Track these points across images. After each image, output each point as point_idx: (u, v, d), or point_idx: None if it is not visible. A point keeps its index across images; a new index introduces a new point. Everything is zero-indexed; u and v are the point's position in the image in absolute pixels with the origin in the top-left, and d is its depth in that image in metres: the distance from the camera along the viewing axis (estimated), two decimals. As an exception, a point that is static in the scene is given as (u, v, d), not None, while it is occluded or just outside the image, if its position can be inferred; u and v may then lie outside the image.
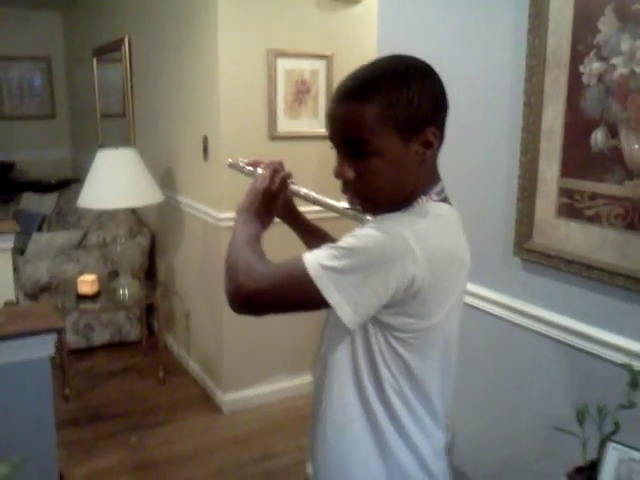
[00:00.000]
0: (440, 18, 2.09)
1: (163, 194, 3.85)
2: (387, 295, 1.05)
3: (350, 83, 1.13)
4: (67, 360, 3.71)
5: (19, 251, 4.55)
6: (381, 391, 1.16)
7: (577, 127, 1.67)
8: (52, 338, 1.90)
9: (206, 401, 3.64)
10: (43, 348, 1.89)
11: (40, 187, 6.30)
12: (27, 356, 1.88)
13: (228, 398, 3.52)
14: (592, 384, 1.69)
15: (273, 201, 1.29)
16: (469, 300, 2.05)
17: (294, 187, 1.31)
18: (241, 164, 1.40)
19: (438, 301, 1.12)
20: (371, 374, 1.15)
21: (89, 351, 4.23)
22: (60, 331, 1.89)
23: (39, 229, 5.39)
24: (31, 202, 5.91)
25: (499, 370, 2.00)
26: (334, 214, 1.30)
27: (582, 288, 1.71)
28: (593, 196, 1.65)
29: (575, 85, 1.65)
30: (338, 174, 1.16)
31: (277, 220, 1.38)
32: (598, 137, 1.61)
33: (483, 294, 1.99)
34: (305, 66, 3.31)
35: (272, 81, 3.25)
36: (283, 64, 3.25)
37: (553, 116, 1.72)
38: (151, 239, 4.52)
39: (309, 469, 1.32)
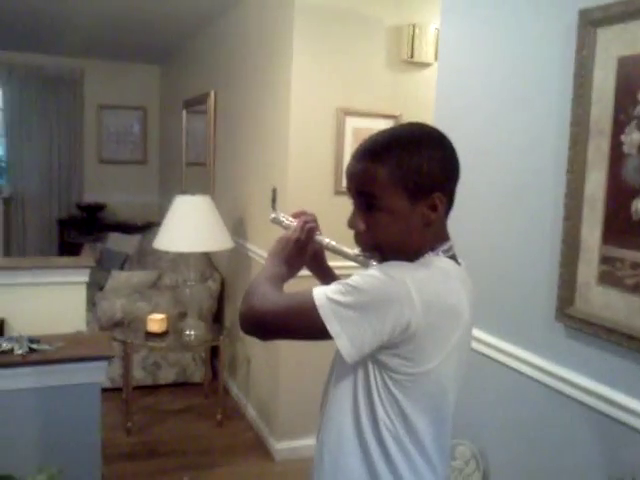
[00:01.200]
0: (491, 88, 2.15)
1: (234, 241, 4.01)
2: (383, 334, 1.12)
3: (368, 144, 1.24)
4: (132, 395, 3.87)
5: (99, 287, 4.82)
6: (377, 430, 1.20)
7: (618, 195, 1.66)
8: (104, 366, 2.03)
9: (259, 447, 3.70)
10: (94, 374, 2.02)
11: (126, 228, 6.67)
12: (79, 380, 2.01)
13: (281, 446, 3.57)
14: (628, 457, 1.64)
15: (301, 250, 1.39)
16: (509, 362, 2.04)
17: (318, 238, 1.41)
18: (281, 218, 1.51)
19: (432, 348, 1.17)
20: (369, 413, 1.21)
21: (154, 388, 4.39)
22: (109, 359, 2.00)
23: (121, 268, 5.67)
24: (117, 242, 6.24)
25: (535, 435, 1.96)
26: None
27: (622, 358, 1.68)
28: (634, 265, 1.63)
29: (616, 154, 1.66)
30: (350, 224, 1.26)
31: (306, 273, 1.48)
32: (639, 206, 1.61)
33: (523, 357, 1.97)
34: (373, 125, 3.40)
35: (340, 138, 3.37)
36: (352, 122, 3.38)
37: (595, 184, 1.73)
38: (221, 284, 4.67)
39: None
